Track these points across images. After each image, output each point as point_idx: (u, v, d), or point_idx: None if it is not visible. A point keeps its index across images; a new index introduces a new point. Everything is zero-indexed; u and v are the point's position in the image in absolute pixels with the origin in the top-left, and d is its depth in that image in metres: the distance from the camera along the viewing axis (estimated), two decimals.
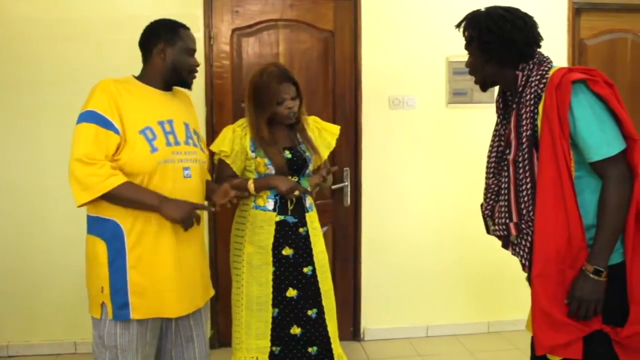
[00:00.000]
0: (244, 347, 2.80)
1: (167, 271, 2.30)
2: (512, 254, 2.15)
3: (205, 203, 2.55)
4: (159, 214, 2.25)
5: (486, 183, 2.27)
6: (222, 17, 3.80)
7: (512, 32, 2.05)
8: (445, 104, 4.02)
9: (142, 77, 2.42)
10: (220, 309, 3.88)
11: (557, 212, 1.97)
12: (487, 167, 2.27)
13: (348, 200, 3.92)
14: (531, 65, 2.07)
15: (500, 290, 4.09)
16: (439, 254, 4.08)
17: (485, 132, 3.86)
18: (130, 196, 2.21)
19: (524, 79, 2.07)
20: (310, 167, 2.89)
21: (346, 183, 3.90)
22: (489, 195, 2.25)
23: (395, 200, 4.02)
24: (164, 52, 2.37)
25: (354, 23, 3.91)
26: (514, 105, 2.09)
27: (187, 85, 2.48)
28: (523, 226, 2.07)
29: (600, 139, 1.94)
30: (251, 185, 2.76)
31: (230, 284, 2.93)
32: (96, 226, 2.29)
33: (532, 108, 2.03)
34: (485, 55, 2.11)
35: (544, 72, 2.04)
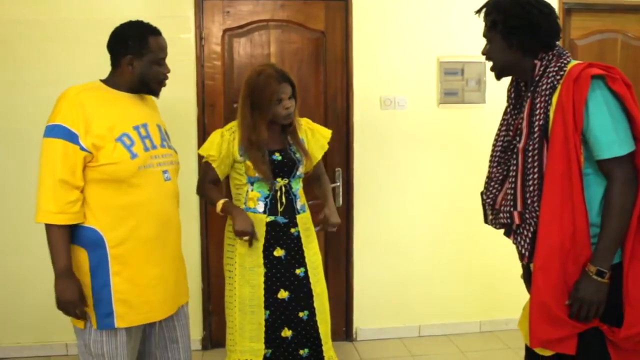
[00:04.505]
0: (238, 349, 2.79)
1: (150, 276, 2.29)
2: (513, 242, 2.14)
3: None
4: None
5: (489, 171, 2.24)
6: (213, 18, 3.79)
7: (538, 18, 2.05)
8: (437, 104, 4.02)
9: (110, 82, 2.35)
10: (213, 309, 3.88)
11: (563, 206, 1.96)
12: (492, 156, 2.25)
13: (340, 201, 3.92)
14: (550, 56, 2.06)
15: (492, 289, 4.10)
16: (431, 253, 4.09)
17: (476, 132, 3.92)
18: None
19: (541, 68, 2.06)
20: (301, 170, 2.88)
21: (338, 183, 3.90)
22: (492, 184, 2.22)
23: (388, 200, 4.02)
24: (131, 64, 2.30)
25: (345, 23, 3.90)
26: (529, 94, 2.08)
27: (155, 94, 2.42)
28: (527, 216, 2.05)
29: (612, 137, 1.93)
30: (219, 206, 2.77)
31: (222, 285, 2.93)
32: (75, 234, 2.22)
33: (546, 98, 2.02)
34: (508, 40, 2.09)
35: (563, 65, 2.04)
